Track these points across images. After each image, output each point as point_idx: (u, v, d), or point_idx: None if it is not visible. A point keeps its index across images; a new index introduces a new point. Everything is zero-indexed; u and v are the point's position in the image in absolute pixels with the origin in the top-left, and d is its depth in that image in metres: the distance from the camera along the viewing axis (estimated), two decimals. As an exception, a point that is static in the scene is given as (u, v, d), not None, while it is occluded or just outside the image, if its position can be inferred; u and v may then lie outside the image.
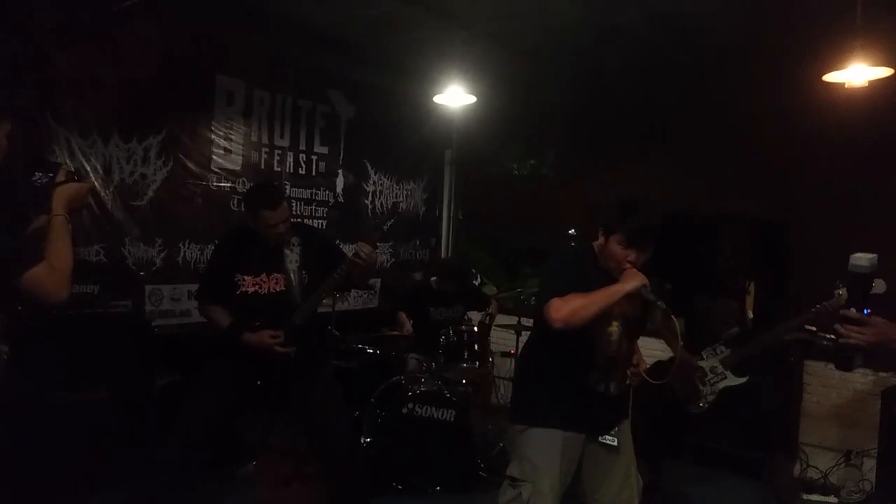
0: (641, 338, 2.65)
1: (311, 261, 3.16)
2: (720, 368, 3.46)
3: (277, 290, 3.09)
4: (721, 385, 3.45)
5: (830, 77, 3.35)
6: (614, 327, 2.44)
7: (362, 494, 3.24)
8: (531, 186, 6.63)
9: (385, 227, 3.27)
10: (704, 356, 3.51)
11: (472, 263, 6.28)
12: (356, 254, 2.98)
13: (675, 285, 3.84)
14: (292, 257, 3.14)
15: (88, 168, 3.81)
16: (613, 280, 2.36)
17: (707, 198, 4.69)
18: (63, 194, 1.98)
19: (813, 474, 4.30)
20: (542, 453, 2.41)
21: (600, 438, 2.48)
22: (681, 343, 3.49)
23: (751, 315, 3.49)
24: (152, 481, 2.95)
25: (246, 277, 3.07)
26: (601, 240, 2.41)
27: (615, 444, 2.49)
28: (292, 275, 3.12)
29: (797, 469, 4.34)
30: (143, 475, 2.99)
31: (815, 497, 4.10)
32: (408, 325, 4.43)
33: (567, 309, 2.24)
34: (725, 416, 3.56)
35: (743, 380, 3.41)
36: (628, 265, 2.33)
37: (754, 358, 3.40)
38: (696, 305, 3.62)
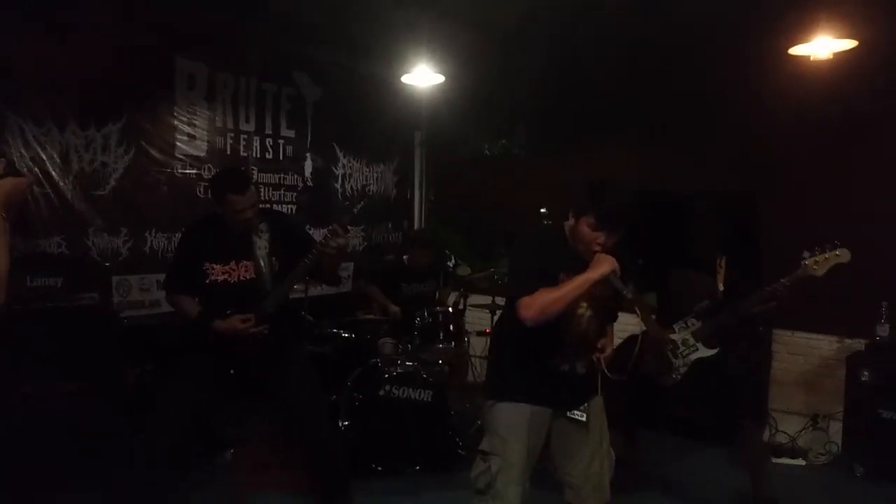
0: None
1: (281, 247, 3.12)
2: (692, 341, 3.51)
3: (247, 277, 3.05)
4: (693, 357, 3.51)
5: (796, 50, 3.38)
6: (583, 309, 2.45)
7: (341, 478, 3.24)
8: (503, 166, 6.62)
9: (355, 210, 3.22)
10: (676, 329, 3.55)
11: (444, 245, 6.26)
12: (327, 238, 2.94)
13: (648, 261, 3.91)
14: (261, 244, 3.09)
15: (45, 157, 3.70)
16: (584, 260, 2.37)
17: (678, 175, 4.74)
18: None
19: (781, 439, 4.44)
20: (509, 427, 2.44)
21: (569, 413, 2.50)
22: (650, 325, 3.56)
23: (721, 288, 3.53)
24: (131, 476, 2.91)
25: (215, 266, 3.02)
26: (571, 221, 2.42)
27: (584, 419, 2.51)
28: (262, 262, 3.08)
29: (766, 434, 4.47)
30: (118, 469, 2.94)
31: (783, 460, 4.22)
32: (380, 298, 4.40)
33: (537, 306, 2.27)
34: (697, 387, 3.62)
35: (714, 351, 3.47)
36: (598, 247, 2.34)
37: (724, 329, 3.47)
38: (669, 280, 3.65)
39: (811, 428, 4.35)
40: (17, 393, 3.15)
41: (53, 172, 3.75)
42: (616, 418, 4.20)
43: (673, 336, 3.55)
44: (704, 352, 3.49)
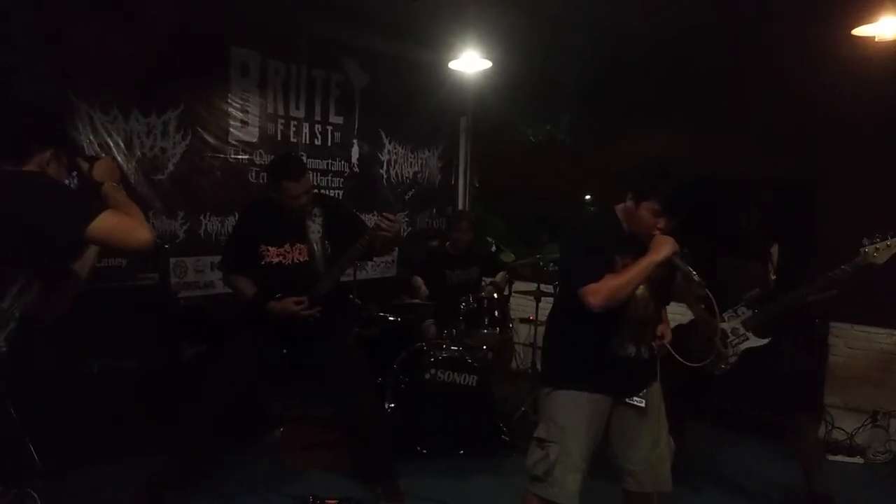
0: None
1: (334, 231, 3.19)
2: (742, 330, 3.44)
3: (301, 260, 3.13)
4: (743, 346, 3.43)
5: (860, 31, 3.26)
6: (641, 290, 2.42)
7: (386, 458, 3.31)
8: (548, 153, 6.59)
9: (407, 196, 3.27)
10: (726, 318, 3.48)
11: (488, 231, 6.27)
12: (378, 224, 3.00)
13: (697, 249, 3.84)
14: (315, 228, 3.17)
15: (111, 143, 3.85)
16: (639, 243, 2.35)
17: (732, 160, 4.63)
18: (100, 171, 2.03)
19: (838, 436, 4.30)
20: (567, 415, 2.43)
21: (628, 400, 2.49)
22: (698, 312, 3.51)
23: (773, 277, 3.44)
24: (178, 450, 3.03)
25: (270, 248, 3.11)
26: (630, 204, 2.39)
27: (643, 405, 2.50)
28: (315, 245, 3.16)
29: (822, 431, 4.35)
30: (169, 444, 3.07)
31: (840, 458, 4.11)
32: (423, 289, 4.44)
33: (605, 292, 2.27)
34: (748, 378, 3.55)
35: (765, 341, 3.39)
36: (658, 231, 2.32)
37: (777, 319, 3.38)
38: (719, 268, 3.57)
39: (870, 425, 4.21)
40: (85, 369, 3.30)
41: (119, 158, 3.88)
42: (665, 408, 4.20)
43: (722, 325, 3.48)
44: (755, 341, 3.41)
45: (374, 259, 3.90)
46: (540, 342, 4.17)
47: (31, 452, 2.31)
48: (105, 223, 1.74)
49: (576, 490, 2.39)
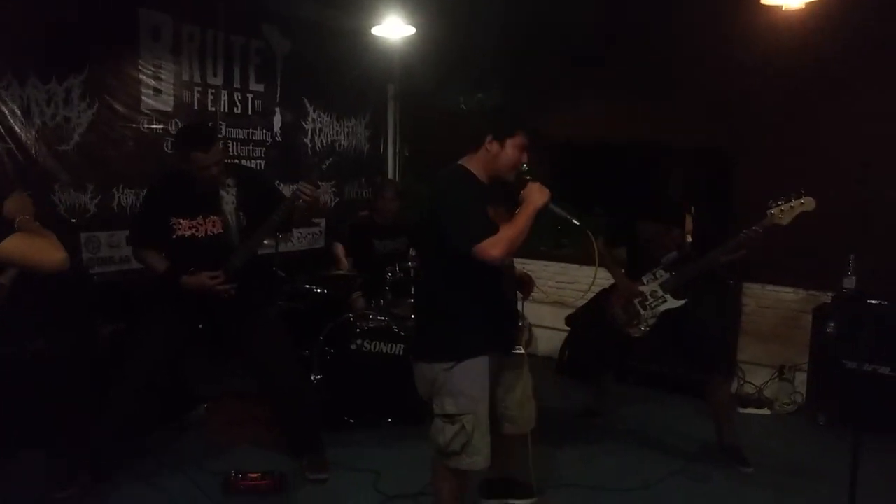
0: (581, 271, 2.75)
1: (249, 202, 3.10)
2: (660, 292, 3.56)
3: (215, 232, 3.03)
4: (661, 308, 3.55)
5: (768, 0, 3.35)
6: None
7: (312, 430, 3.29)
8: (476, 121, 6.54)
9: (324, 166, 3.19)
10: (645, 281, 3.59)
11: (419, 200, 6.22)
12: (296, 194, 2.93)
13: (620, 212, 3.93)
14: (228, 199, 3.08)
15: (6, 111, 3.59)
16: (494, 191, 2.49)
17: (649, 127, 4.73)
18: (11, 208, 2.10)
19: (749, 389, 4.53)
20: (475, 383, 2.44)
21: (515, 350, 2.63)
22: (618, 277, 3.62)
23: (689, 240, 3.56)
24: (99, 431, 2.93)
25: (182, 221, 3.00)
26: (491, 147, 2.44)
27: (522, 351, 2.66)
28: (230, 217, 3.07)
29: (735, 386, 4.56)
30: (88, 425, 2.96)
31: (750, 410, 4.33)
32: (343, 260, 4.37)
33: (505, 243, 2.28)
34: (666, 339, 3.68)
35: (681, 302, 3.52)
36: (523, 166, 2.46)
37: (693, 281, 3.51)
38: (638, 232, 3.67)
39: (777, 379, 4.44)
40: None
41: (16, 127, 3.64)
42: (587, 370, 4.32)
43: (641, 288, 3.59)
44: (672, 303, 3.54)
45: (298, 230, 3.82)
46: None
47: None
48: (13, 243, 1.87)
49: (489, 452, 2.45)
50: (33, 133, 3.72)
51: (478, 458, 2.44)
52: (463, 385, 2.43)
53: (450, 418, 2.43)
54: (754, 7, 3.46)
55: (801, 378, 4.35)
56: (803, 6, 3.26)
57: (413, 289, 2.55)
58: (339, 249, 4.41)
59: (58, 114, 3.82)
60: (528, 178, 2.46)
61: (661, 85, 4.65)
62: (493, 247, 2.26)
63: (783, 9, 3.29)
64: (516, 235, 2.31)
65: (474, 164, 2.49)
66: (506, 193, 2.42)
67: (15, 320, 3.22)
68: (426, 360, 2.51)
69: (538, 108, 5.34)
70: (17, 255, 1.89)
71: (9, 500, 2.76)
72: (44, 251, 1.92)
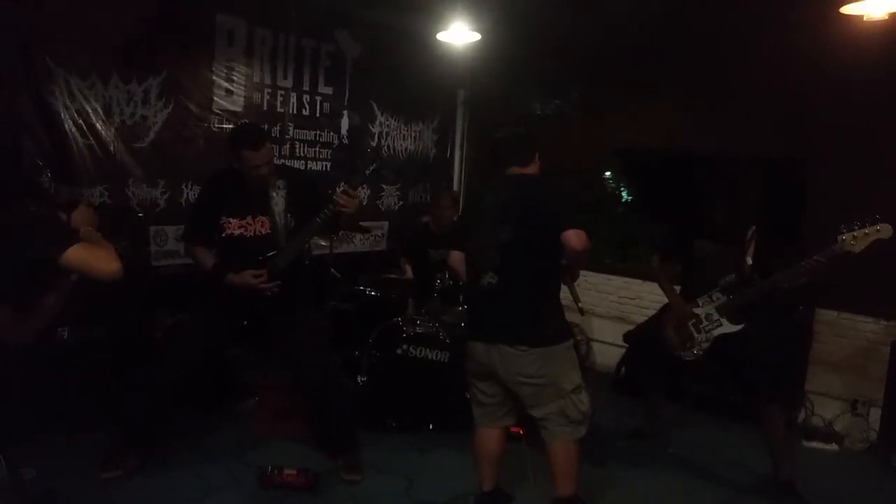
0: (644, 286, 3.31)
1: (297, 204, 3.18)
2: (716, 315, 3.38)
3: (263, 232, 3.12)
4: (716, 332, 3.38)
5: (848, 9, 3.13)
6: None
7: (347, 430, 3.33)
8: (553, 127, 6.43)
9: (367, 171, 3.23)
10: (700, 303, 3.43)
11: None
12: (338, 199, 2.98)
13: (678, 228, 3.77)
14: (278, 200, 3.16)
15: (89, 110, 3.84)
16: None
17: (719, 137, 4.51)
18: (78, 220, 2.33)
19: (817, 422, 4.24)
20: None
21: None
22: (672, 297, 3.55)
23: (749, 261, 3.36)
24: (140, 416, 3.08)
25: (231, 220, 3.10)
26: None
27: None
28: (278, 218, 3.15)
29: (801, 417, 4.29)
30: (137, 408, 3.12)
31: (816, 444, 4.05)
32: (408, 272, 4.42)
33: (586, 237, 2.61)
34: (723, 364, 3.51)
35: (738, 327, 3.33)
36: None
37: (752, 306, 3.32)
38: (696, 250, 3.51)
39: (850, 413, 4.14)
40: (53, 337, 3.34)
41: (97, 124, 3.88)
42: (639, 390, 4.17)
43: (696, 310, 3.43)
44: (729, 327, 3.36)
45: (359, 235, 3.88)
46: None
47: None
48: (78, 252, 2.03)
49: None
50: (113, 131, 3.95)
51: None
52: (574, 360, 2.82)
53: (580, 388, 2.77)
54: (833, 16, 3.24)
55: (875, 414, 4.04)
56: (886, 17, 3.02)
57: (502, 281, 2.64)
58: (405, 263, 4.47)
59: (136, 113, 4.05)
60: None
61: (732, 93, 4.43)
62: (587, 238, 2.61)
63: (864, 18, 3.06)
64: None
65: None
66: None
67: (78, 307, 3.43)
68: (551, 343, 2.72)
69: (604, 114, 5.22)
70: (79, 263, 2.05)
71: (60, 476, 2.93)
72: (102, 261, 2.08)
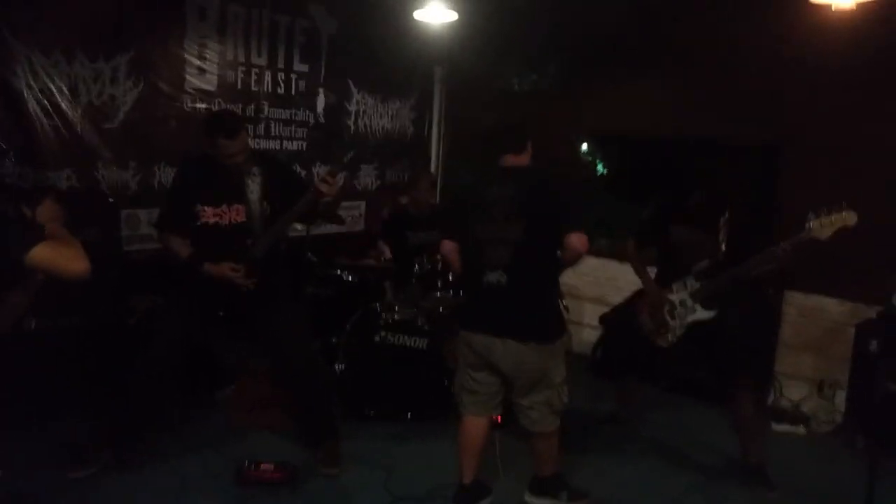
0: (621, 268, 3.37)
1: (273, 191, 3.12)
2: (689, 302, 3.42)
3: (238, 221, 3.07)
4: (690, 318, 3.42)
5: (817, -1, 3.14)
6: None
7: (327, 421, 3.33)
8: (532, 102, 6.39)
9: (346, 159, 3.17)
10: (675, 289, 3.46)
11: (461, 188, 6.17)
12: (317, 186, 2.94)
13: (654, 213, 3.79)
14: (253, 187, 3.10)
15: (53, 88, 3.69)
16: None
17: (695, 123, 4.53)
18: (43, 215, 2.24)
19: (785, 404, 4.35)
20: None
21: None
22: (647, 283, 3.57)
23: (723, 247, 3.40)
24: (119, 405, 3.04)
25: (206, 208, 3.04)
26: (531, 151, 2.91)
27: None
28: (253, 205, 3.09)
29: (770, 399, 4.39)
30: (113, 400, 3.08)
31: (784, 427, 4.15)
32: (386, 253, 4.39)
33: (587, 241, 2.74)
34: (695, 347, 3.56)
35: (711, 313, 3.38)
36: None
37: (725, 291, 3.36)
38: (671, 236, 3.53)
39: (816, 395, 4.25)
40: (20, 326, 3.27)
41: (63, 104, 3.73)
42: (614, 374, 4.23)
43: (670, 296, 3.47)
44: (702, 314, 3.40)
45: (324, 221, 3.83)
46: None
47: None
48: (43, 252, 1.97)
49: None
50: (80, 111, 3.82)
51: None
52: (562, 355, 2.92)
53: (565, 381, 2.89)
54: (803, 5, 3.25)
55: (841, 396, 4.15)
56: (854, 6, 3.04)
57: (512, 280, 2.71)
58: (383, 246, 4.43)
59: (104, 92, 3.91)
60: None
61: (707, 79, 4.44)
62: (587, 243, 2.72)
63: (833, 8, 3.07)
64: None
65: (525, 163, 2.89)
66: None
67: (46, 296, 3.36)
68: (555, 338, 2.85)
69: (582, 94, 5.20)
70: (45, 263, 1.99)
71: (30, 474, 2.88)
72: (70, 261, 2.02)
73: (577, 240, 2.67)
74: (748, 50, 4.20)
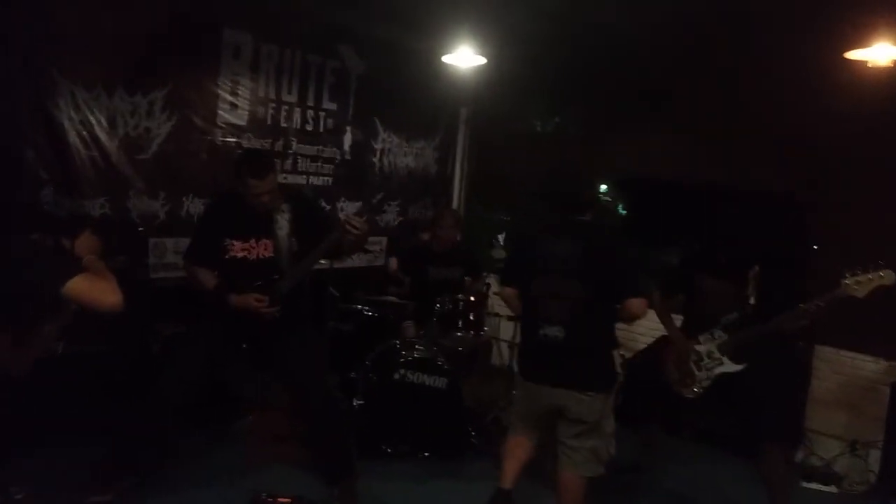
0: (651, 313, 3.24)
1: (301, 228, 3.16)
2: (717, 354, 3.36)
3: (266, 255, 3.10)
4: (717, 371, 3.36)
5: (853, 55, 3.15)
6: None
7: (344, 458, 3.29)
8: (554, 145, 6.44)
9: (374, 200, 3.21)
10: (702, 340, 3.41)
11: (485, 226, 6.20)
12: (345, 227, 2.96)
13: (680, 262, 3.75)
14: (282, 223, 3.14)
15: (93, 121, 3.79)
16: None
17: (723, 170, 4.52)
18: (81, 247, 2.33)
19: (816, 462, 4.21)
20: None
21: None
22: (673, 333, 3.53)
23: (752, 300, 3.34)
24: (138, 432, 3.03)
25: (235, 242, 3.08)
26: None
27: None
28: (281, 241, 3.12)
29: (800, 456, 4.26)
30: (129, 427, 3.07)
31: (814, 485, 4.02)
32: (398, 274, 4.38)
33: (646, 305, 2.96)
34: (722, 400, 3.48)
35: (739, 367, 3.31)
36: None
37: (754, 344, 3.30)
38: (697, 285, 3.49)
39: (849, 454, 4.11)
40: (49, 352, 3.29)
41: (101, 136, 3.82)
42: (636, 422, 4.14)
43: (697, 347, 3.41)
44: (730, 366, 3.34)
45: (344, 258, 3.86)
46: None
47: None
48: (79, 284, 2.03)
49: None
50: (116, 142, 3.91)
51: None
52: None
53: (614, 434, 3.00)
54: (838, 59, 3.25)
55: (875, 456, 4.01)
56: (891, 63, 3.03)
57: (569, 335, 2.82)
58: (394, 263, 4.43)
59: (139, 125, 4.00)
60: None
61: (736, 127, 4.43)
62: (646, 306, 2.90)
63: (869, 64, 3.07)
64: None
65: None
66: None
67: (79, 322, 3.39)
68: (609, 390, 2.95)
69: (607, 140, 5.22)
70: (81, 295, 2.05)
71: (50, 498, 2.87)
72: (104, 294, 2.08)
73: (637, 306, 2.81)
74: (782, 100, 4.20)
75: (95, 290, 2.06)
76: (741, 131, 4.43)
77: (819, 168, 4.18)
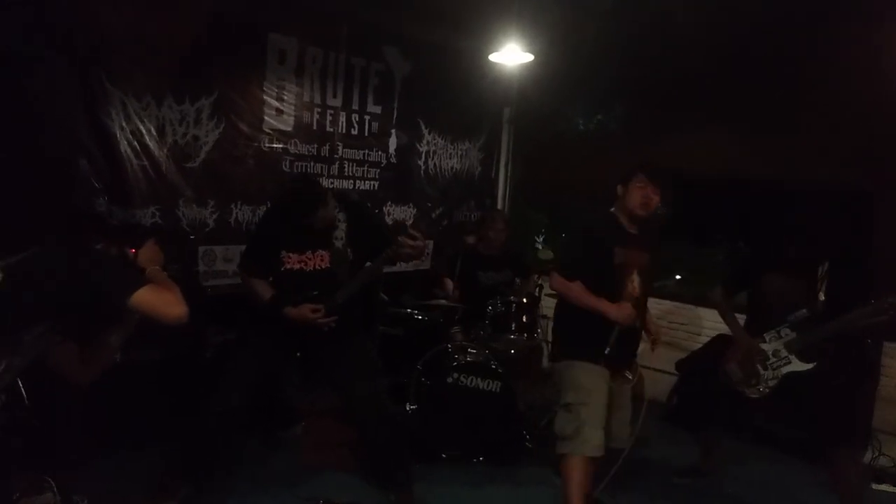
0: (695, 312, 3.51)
1: (357, 236, 3.13)
2: (784, 352, 3.24)
3: (322, 266, 3.09)
4: (784, 370, 3.24)
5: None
6: (634, 276, 2.93)
7: (399, 464, 3.24)
8: (598, 144, 6.34)
9: (433, 215, 3.19)
10: (767, 339, 3.29)
11: (529, 227, 6.12)
12: (402, 243, 2.93)
13: (744, 259, 3.61)
14: (338, 234, 3.13)
15: (143, 130, 3.82)
16: (635, 237, 2.97)
17: (787, 165, 4.35)
18: (144, 258, 2.32)
19: (886, 463, 4.04)
20: (592, 380, 2.87)
21: (625, 374, 3.04)
22: (737, 331, 3.49)
23: (822, 297, 3.21)
24: (194, 440, 3.03)
25: (291, 255, 3.08)
26: (620, 192, 2.98)
27: (631, 378, 3.06)
28: (338, 252, 3.10)
29: (868, 457, 4.09)
30: (183, 437, 3.08)
31: (884, 487, 3.85)
32: (450, 287, 4.32)
33: (561, 287, 2.98)
34: (789, 402, 3.35)
35: (809, 366, 3.18)
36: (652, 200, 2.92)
37: (824, 342, 3.16)
38: (763, 283, 3.36)
39: (920, 454, 3.93)
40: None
41: (151, 145, 3.85)
42: (694, 424, 4.02)
43: (763, 346, 3.29)
44: (798, 365, 3.21)
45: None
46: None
47: (49, 441, 2.37)
48: (146, 295, 2.00)
49: (601, 443, 2.82)
50: (165, 151, 3.94)
51: (586, 447, 2.84)
52: (580, 379, 2.96)
53: (568, 406, 2.93)
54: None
55: (950, 456, 3.83)
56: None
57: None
58: (449, 284, 4.38)
59: (188, 133, 4.02)
60: None
61: (800, 120, 4.26)
62: (557, 281, 3.00)
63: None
64: (572, 296, 2.97)
65: (618, 206, 3.02)
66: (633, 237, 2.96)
67: (136, 330, 3.43)
68: (556, 356, 3.13)
69: (663, 134, 5.08)
70: (147, 307, 2.01)
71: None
72: (169, 305, 2.04)
73: None
74: (845, 93, 4.03)
75: (163, 301, 2.02)
76: (803, 123, 4.26)
77: (886, 161, 4.00)
